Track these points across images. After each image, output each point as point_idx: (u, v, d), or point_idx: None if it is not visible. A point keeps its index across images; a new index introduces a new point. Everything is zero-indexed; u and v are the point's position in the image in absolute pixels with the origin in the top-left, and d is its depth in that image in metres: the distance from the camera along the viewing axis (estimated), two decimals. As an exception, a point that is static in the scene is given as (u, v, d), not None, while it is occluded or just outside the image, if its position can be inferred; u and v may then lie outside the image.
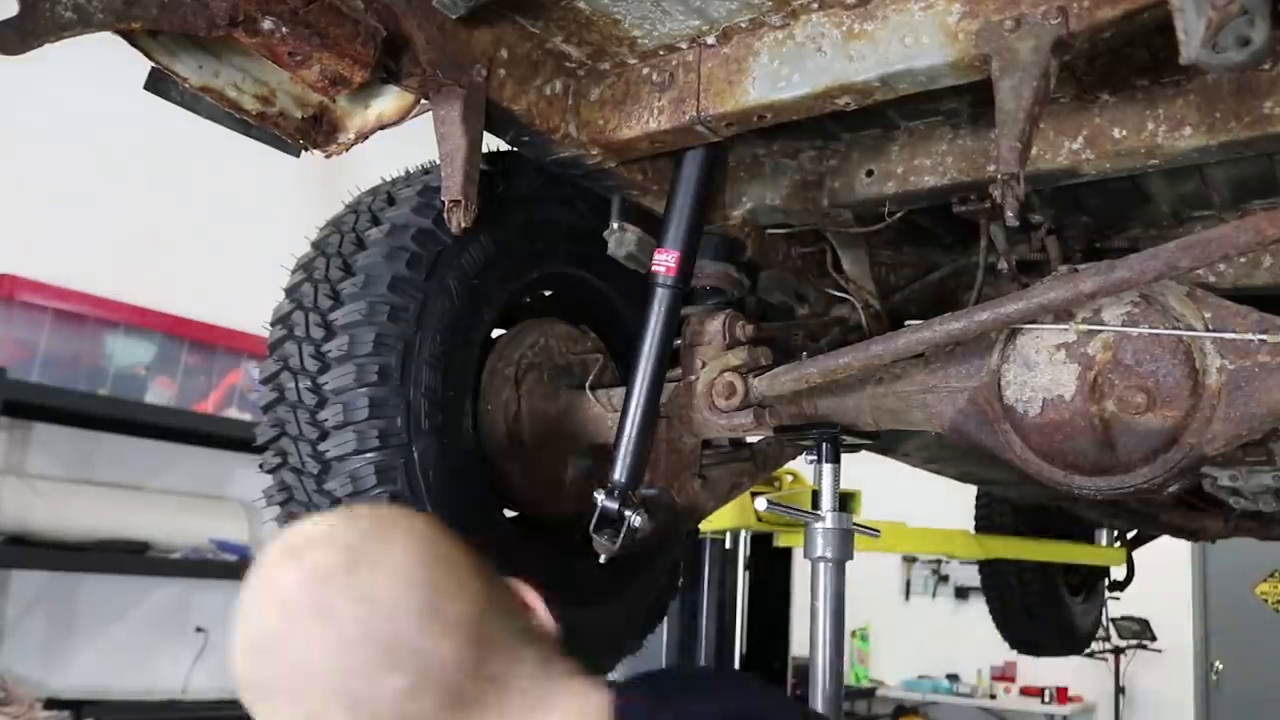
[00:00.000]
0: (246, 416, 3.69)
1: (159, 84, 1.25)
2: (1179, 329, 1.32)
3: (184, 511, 3.62)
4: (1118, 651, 6.54)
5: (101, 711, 3.32)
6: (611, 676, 1.58)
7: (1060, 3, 1.09)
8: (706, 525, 2.12)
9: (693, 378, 1.59)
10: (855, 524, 1.56)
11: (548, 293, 1.73)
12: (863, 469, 2.46)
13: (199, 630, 3.86)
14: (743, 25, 1.31)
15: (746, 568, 4.27)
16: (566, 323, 1.73)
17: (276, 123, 1.30)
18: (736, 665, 4.09)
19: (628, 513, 1.45)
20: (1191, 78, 1.34)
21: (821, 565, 1.61)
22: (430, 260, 1.41)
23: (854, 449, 1.75)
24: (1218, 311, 1.32)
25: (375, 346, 1.36)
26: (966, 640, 6.91)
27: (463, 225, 1.30)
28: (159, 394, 3.62)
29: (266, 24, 1.11)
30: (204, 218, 3.80)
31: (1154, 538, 3.96)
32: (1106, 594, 4.36)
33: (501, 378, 1.58)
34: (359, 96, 1.32)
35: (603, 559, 1.50)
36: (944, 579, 7.89)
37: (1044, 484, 1.41)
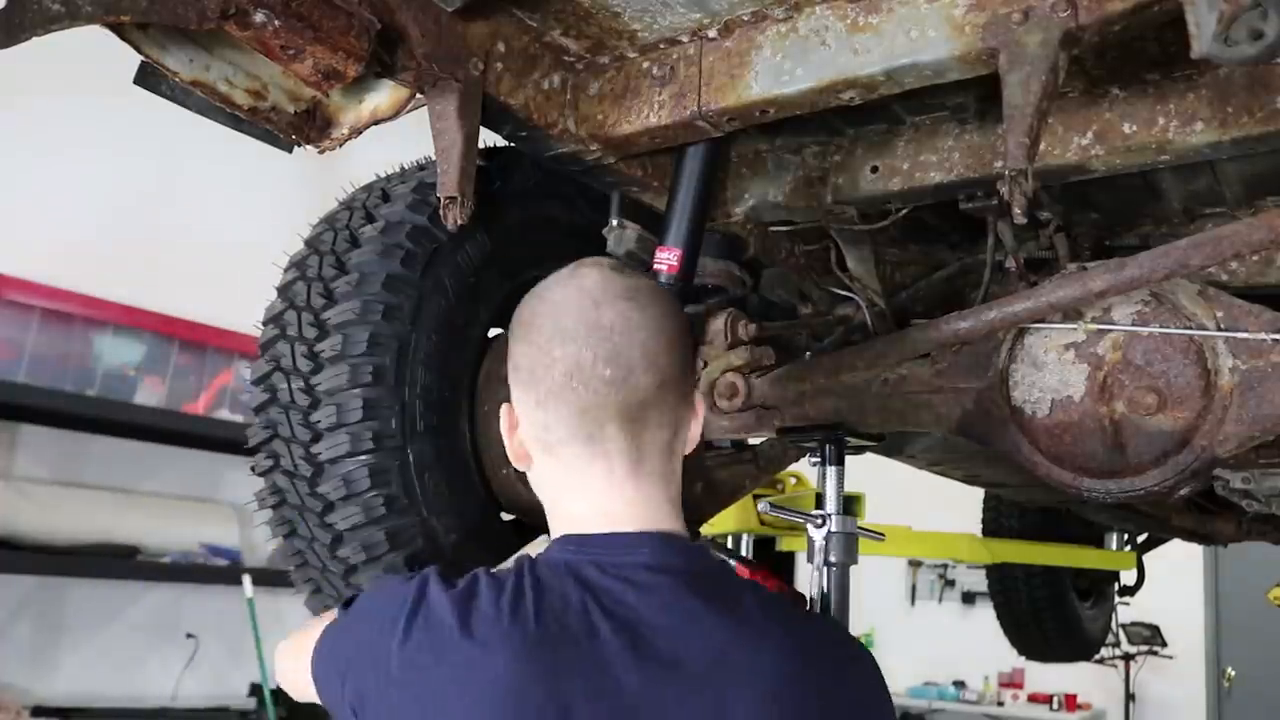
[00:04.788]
0: (238, 418, 3.66)
1: (149, 78, 1.23)
2: (1190, 328, 1.30)
3: (174, 515, 3.59)
4: (1128, 658, 6.49)
5: (89, 719, 3.29)
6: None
7: None
8: (708, 529, 2.10)
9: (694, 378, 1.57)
10: (860, 527, 1.53)
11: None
12: (867, 471, 2.44)
13: (189, 636, 3.83)
14: (745, 18, 1.29)
15: (750, 572, 4.23)
16: (565, 322, 1.71)
17: (269, 117, 1.28)
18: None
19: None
20: (1203, 72, 1.32)
21: (825, 569, 1.58)
22: (426, 258, 1.39)
23: (858, 451, 1.72)
24: (1230, 310, 1.30)
25: (369, 346, 1.34)
26: (973, 646, 6.85)
27: (459, 222, 1.28)
28: (148, 395, 3.60)
29: (258, 17, 1.09)
30: (195, 214, 3.77)
31: (1165, 541, 3.92)
32: (1116, 599, 4.33)
33: (499, 378, 1.56)
34: (353, 91, 1.30)
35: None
36: (950, 584, 7.84)
37: (1052, 486, 1.39)
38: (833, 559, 1.48)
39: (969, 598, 7.64)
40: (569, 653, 0.89)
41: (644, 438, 0.98)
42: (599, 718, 0.86)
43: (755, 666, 0.89)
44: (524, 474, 1.56)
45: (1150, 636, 6.44)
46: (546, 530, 1.65)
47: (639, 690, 0.87)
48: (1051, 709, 7.00)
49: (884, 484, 3.51)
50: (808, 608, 1.38)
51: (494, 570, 1.01)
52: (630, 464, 0.99)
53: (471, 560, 1.42)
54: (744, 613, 0.93)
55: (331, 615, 1.10)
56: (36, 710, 3.14)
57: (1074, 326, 1.37)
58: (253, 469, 1.41)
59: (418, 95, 1.28)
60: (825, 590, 1.48)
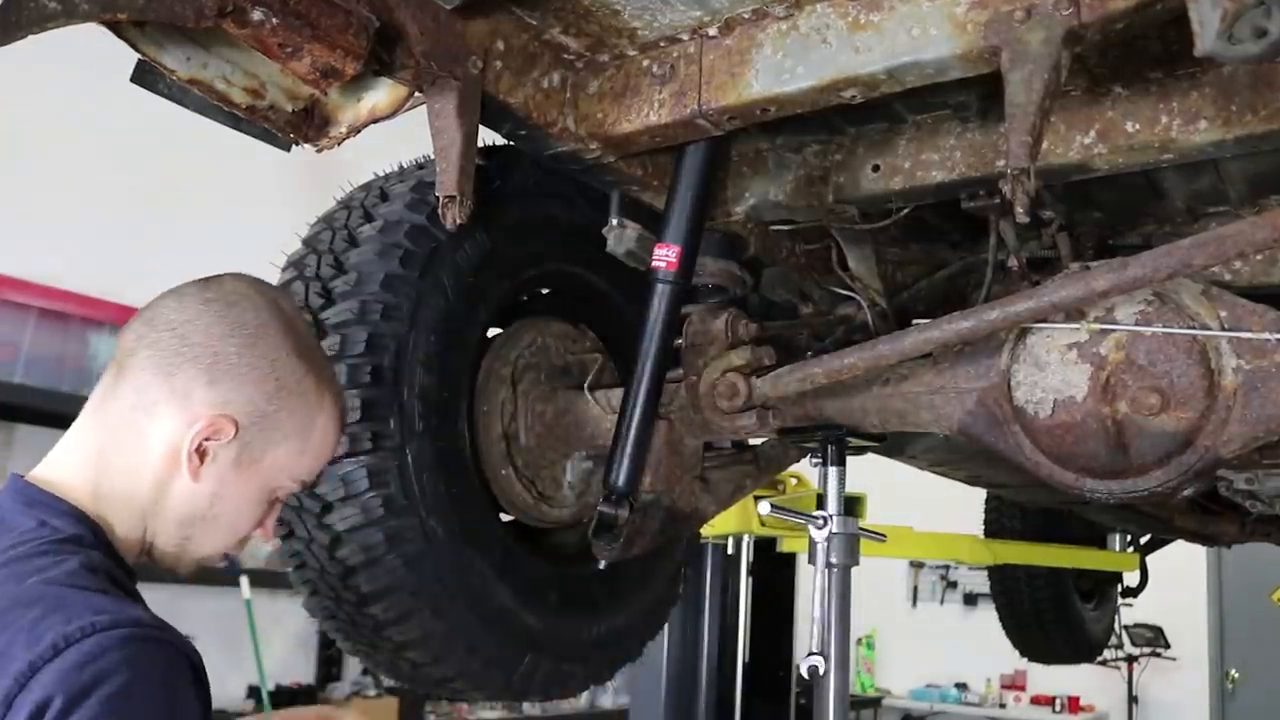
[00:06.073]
0: (235, 419, 3.65)
1: (146, 76, 1.23)
2: (1194, 328, 1.29)
3: (169, 515, 3.58)
4: (1130, 659, 6.48)
5: (86, 721, 3.26)
6: (610, 686, 1.54)
7: None
8: (708, 530, 2.09)
9: (694, 378, 1.56)
10: (861, 528, 1.52)
11: (545, 291, 1.70)
12: (869, 472, 2.43)
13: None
14: (745, 16, 1.28)
15: (749, 573, 4.22)
16: (565, 322, 1.70)
17: (267, 116, 1.27)
18: (739, 673, 4.05)
19: (626, 517, 1.42)
20: (1206, 70, 1.31)
21: (826, 571, 1.58)
22: (424, 258, 1.39)
23: (860, 451, 1.71)
24: (1233, 310, 1.29)
25: (368, 346, 1.34)
26: (975, 648, 6.84)
27: (458, 221, 1.27)
28: (145, 395, 3.60)
29: (256, 14, 1.08)
30: (192, 213, 3.76)
31: (1168, 542, 3.92)
32: (1119, 600, 4.32)
33: (498, 378, 1.55)
34: (351, 89, 1.30)
35: (602, 565, 1.47)
36: (952, 585, 7.83)
37: (1055, 487, 1.38)
38: (834, 560, 1.47)
39: (971, 599, 7.63)
40: None
41: None
42: None
43: None
44: (523, 476, 1.57)
45: (1153, 638, 6.42)
46: (547, 531, 1.66)
47: None
48: (1054, 711, 6.99)
49: (886, 485, 3.50)
50: None
51: None
52: None
53: (470, 562, 1.42)
54: None
55: None
56: (34, 712, 3.12)
57: (1076, 326, 1.36)
58: (250, 469, 1.39)
59: (416, 93, 1.27)
60: (826, 591, 1.47)
